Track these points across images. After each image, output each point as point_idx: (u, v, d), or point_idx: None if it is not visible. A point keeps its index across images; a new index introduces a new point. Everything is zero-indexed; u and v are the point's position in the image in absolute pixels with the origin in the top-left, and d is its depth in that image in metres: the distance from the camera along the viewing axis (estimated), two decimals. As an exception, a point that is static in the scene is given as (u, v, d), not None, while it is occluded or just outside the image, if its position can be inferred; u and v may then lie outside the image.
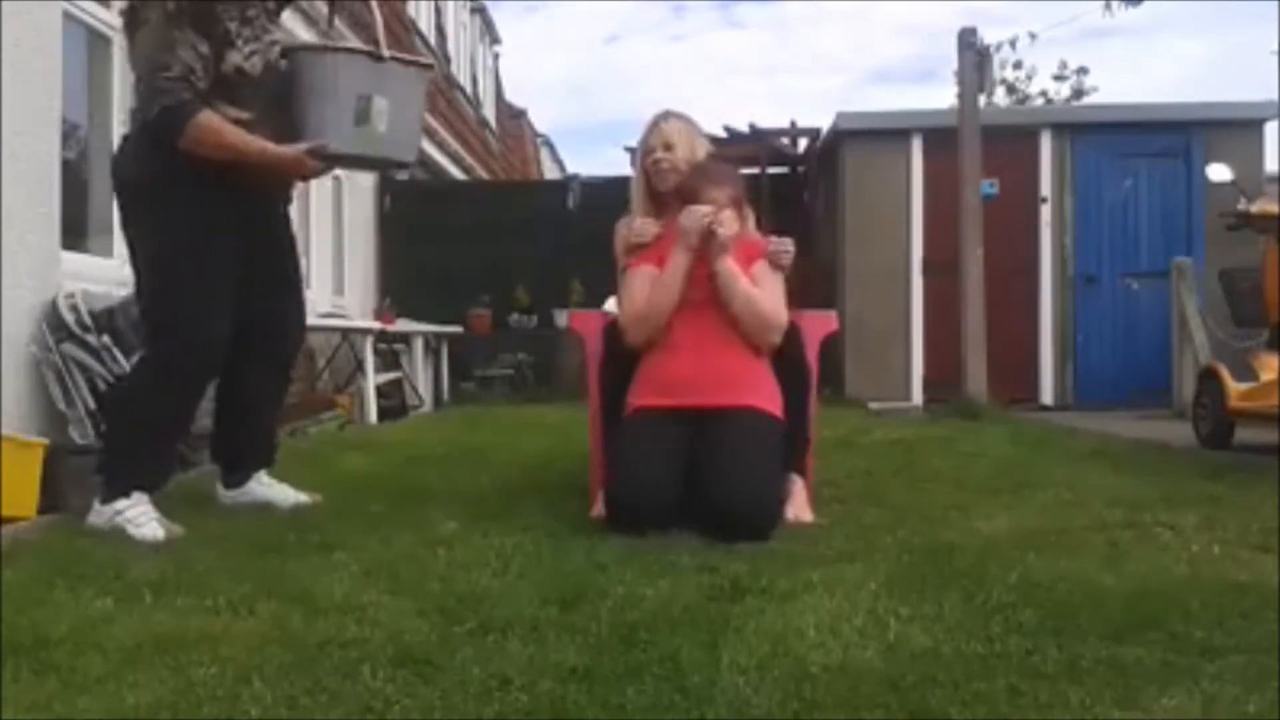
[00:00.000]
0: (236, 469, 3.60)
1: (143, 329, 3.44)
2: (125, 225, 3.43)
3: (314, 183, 9.09)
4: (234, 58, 3.21)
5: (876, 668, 1.87)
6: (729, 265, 3.33)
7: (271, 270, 3.53)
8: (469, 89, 15.51)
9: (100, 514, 3.19)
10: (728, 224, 3.34)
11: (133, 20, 3.28)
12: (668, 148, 3.58)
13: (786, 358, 3.41)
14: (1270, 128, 9.57)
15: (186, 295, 3.26)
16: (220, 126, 3.17)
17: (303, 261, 8.55)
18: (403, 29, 11.81)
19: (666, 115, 3.67)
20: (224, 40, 3.20)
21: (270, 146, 3.26)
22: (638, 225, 3.55)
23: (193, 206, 3.24)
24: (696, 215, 3.31)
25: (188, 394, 3.36)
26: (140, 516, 3.15)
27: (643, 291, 3.38)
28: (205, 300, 3.28)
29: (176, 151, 3.15)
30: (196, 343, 3.28)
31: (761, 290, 3.37)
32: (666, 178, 3.55)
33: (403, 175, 10.35)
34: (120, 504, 3.17)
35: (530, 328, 10.53)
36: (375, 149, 3.38)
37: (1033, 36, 8.45)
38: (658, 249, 3.44)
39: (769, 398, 3.33)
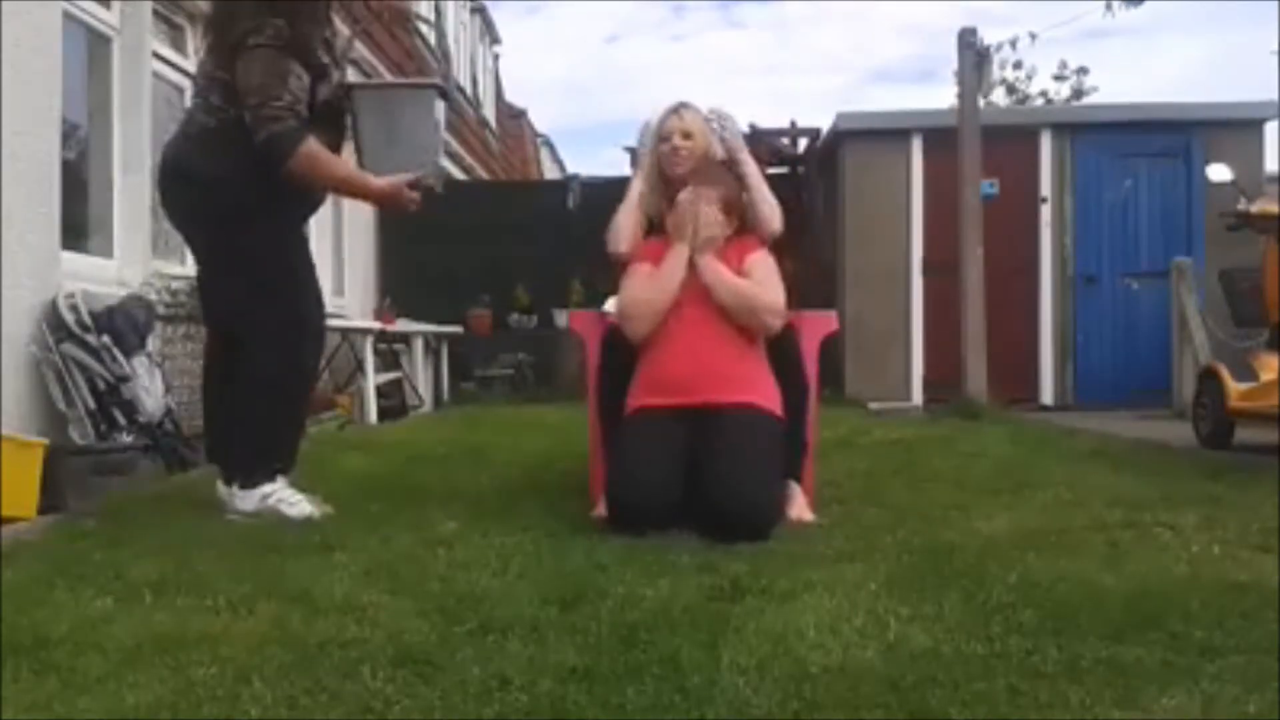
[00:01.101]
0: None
1: (247, 322, 3.44)
2: (191, 220, 3.51)
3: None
4: (323, 90, 3.37)
5: (876, 668, 1.87)
6: (708, 259, 3.36)
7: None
8: (469, 89, 15.50)
9: (247, 499, 3.34)
10: (715, 224, 3.37)
11: (222, 35, 3.37)
12: (686, 136, 3.59)
13: (784, 363, 3.41)
14: (1270, 128, 9.59)
15: (297, 286, 3.45)
16: (325, 156, 3.36)
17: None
18: (404, 32, 11.80)
19: (686, 105, 3.68)
20: (318, 73, 3.35)
21: (371, 180, 3.44)
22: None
23: (272, 203, 3.36)
24: (690, 200, 3.37)
25: (311, 378, 3.67)
26: (291, 496, 3.36)
27: (641, 286, 3.40)
28: (311, 288, 3.52)
29: (250, 151, 3.26)
30: (316, 330, 3.56)
31: (756, 279, 3.37)
32: (683, 163, 3.57)
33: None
34: (267, 488, 3.35)
35: (530, 328, 10.52)
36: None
37: (1033, 36, 8.46)
38: (656, 249, 3.45)
39: (769, 396, 3.33)
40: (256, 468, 3.37)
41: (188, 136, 3.46)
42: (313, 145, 3.28)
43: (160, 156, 3.51)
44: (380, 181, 3.43)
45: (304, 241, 3.57)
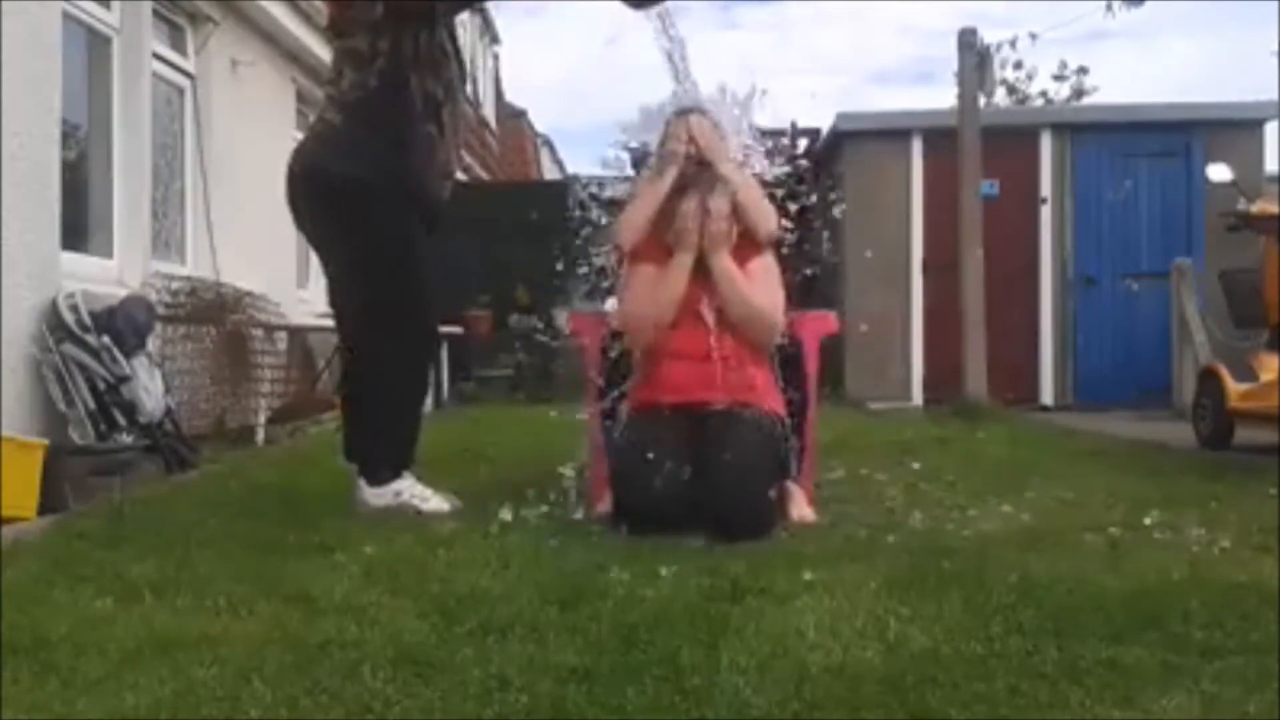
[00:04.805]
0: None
1: (369, 319, 3.46)
2: (323, 226, 3.48)
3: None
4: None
5: (876, 668, 1.87)
6: (726, 263, 3.34)
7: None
8: (469, 89, 15.49)
9: (379, 496, 3.37)
10: (724, 216, 3.35)
11: None
12: (692, 142, 3.57)
13: (785, 363, 3.41)
14: (1270, 128, 9.59)
15: (416, 284, 3.46)
16: None
17: (304, 262, 8.53)
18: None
19: (697, 110, 3.64)
20: None
21: None
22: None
23: (400, 204, 3.38)
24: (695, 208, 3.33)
25: (427, 374, 3.72)
26: (424, 492, 3.39)
27: (644, 291, 3.38)
28: (426, 287, 3.53)
29: (378, 148, 3.30)
30: (433, 327, 3.68)
31: (757, 286, 3.36)
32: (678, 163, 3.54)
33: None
34: (399, 484, 3.40)
35: (530, 328, 10.52)
36: None
37: (1033, 37, 8.47)
38: (657, 250, 3.44)
39: (771, 397, 3.33)
40: (382, 465, 3.42)
41: (316, 137, 3.48)
42: None
43: (288, 167, 3.49)
44: None
45: (424, 245, 3.54)
